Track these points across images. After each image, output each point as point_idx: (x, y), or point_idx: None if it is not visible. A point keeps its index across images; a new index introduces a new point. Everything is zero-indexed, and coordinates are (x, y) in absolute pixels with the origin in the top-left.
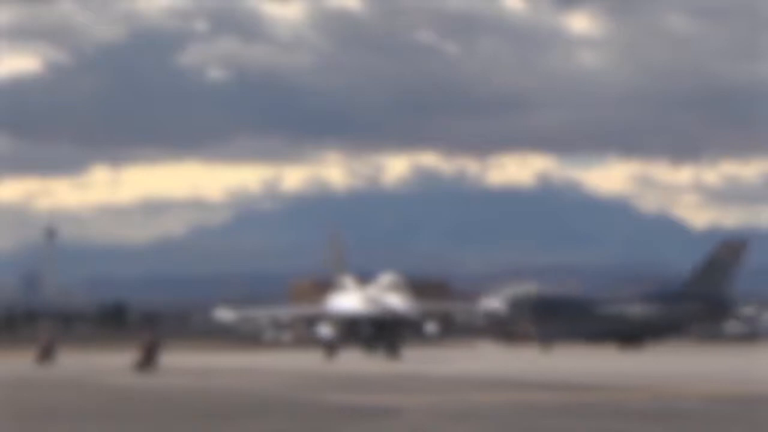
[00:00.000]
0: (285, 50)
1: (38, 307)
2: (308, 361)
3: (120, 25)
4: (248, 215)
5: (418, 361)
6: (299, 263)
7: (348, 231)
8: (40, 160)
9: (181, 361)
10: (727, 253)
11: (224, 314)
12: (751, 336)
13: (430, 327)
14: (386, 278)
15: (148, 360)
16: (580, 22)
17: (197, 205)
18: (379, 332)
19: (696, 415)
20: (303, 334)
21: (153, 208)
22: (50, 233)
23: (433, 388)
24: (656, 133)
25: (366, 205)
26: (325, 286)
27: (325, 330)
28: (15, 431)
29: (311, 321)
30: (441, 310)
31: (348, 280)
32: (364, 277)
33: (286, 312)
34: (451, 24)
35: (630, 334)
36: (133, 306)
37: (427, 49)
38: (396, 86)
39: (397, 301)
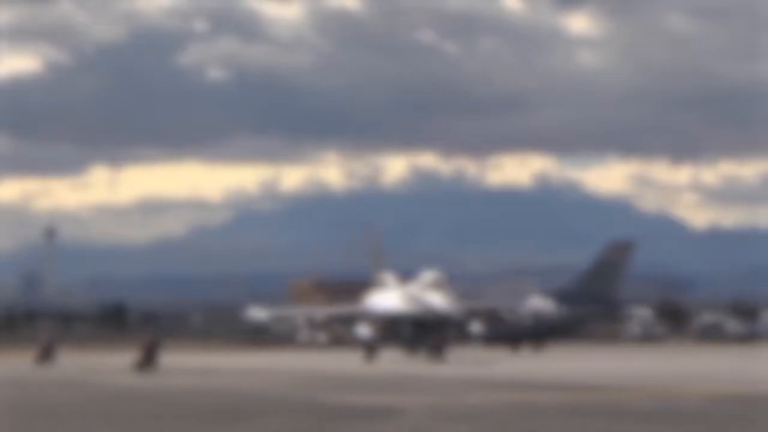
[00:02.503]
0: (285, 50)
1: (38, 307)
2: (345, 362)
3: (120, 25)
4: (247, 215)
5: (462, 362)
6: (299, 263)
7: (347, 231)
8: (39, 161)
9: (182, 361)
10: (614, 254)
11: (257, 313)
12: (750, 336)
13: (475, 327)
14: (427, 275)
15: (148, 360)
16: (580, 22)
17: (196, 205)
18: (420, 332)
19: (696, 415)
20: (339, 334)
21: (152, 208)
22: (50, 233)
23: (435, 388)
24: (656, 133)
25: (365, 205)
26: (325, 286)
27: (363, 330)
28: (15, 431)
29: (348, 320)
30: (486, 309)
31: (388, 278)
32: (406, 275)
33: (321, 311)
34: (451, 24)
35: (527, 335)
36: (133, 306)
37: (427, 49)
38: (396, 86)
39: (438, 300)
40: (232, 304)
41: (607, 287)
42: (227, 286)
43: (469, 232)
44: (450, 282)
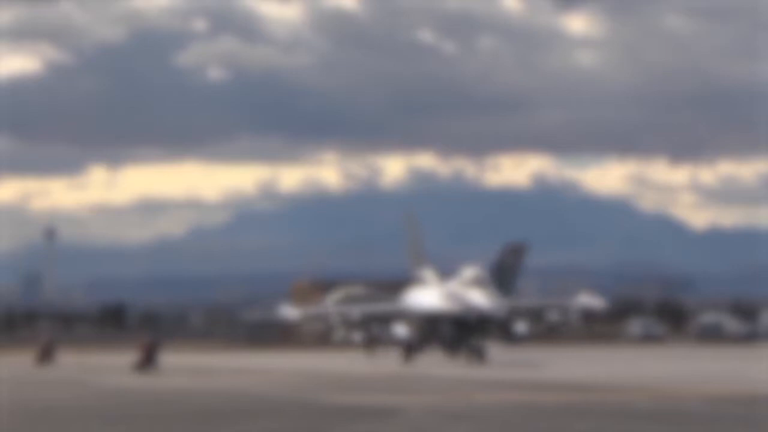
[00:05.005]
0: (284, 50)
1: (38, 308)
2: (383, 363)
3: (120, 25)
4: (246, 216)
5: (504, 364)
6: (298, 263)
7: (345, 232)
8: (37, 161)
9: (182, 361)
10: (509, 256)
11: (289, 312)
12: (750, 336)
13: (520, 327)
14: (469, 272)
15: (147, 360)
16: (579, 22)
17: (195, 205)
18: (461, 333)
19: (696, 415)
20: (375, 334)
21: (150, 208)
22: (50, 234)
23: (437, 388)
24: (655, 133)
25: (363, 205)
26: (324, 285)
27: (401, 330)
28: (15, 431)
29: (385, 319)
30: (531, 307)
31: (428, 274)
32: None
33: (357, 309)
34: (449, 24)
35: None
36: (133, 306)
37: (426, 49)
38: (394, 86)
39: (480, 298)
40: (231, 304)
41: (504, 288)
42: (227, 286)
43: (467, 233)
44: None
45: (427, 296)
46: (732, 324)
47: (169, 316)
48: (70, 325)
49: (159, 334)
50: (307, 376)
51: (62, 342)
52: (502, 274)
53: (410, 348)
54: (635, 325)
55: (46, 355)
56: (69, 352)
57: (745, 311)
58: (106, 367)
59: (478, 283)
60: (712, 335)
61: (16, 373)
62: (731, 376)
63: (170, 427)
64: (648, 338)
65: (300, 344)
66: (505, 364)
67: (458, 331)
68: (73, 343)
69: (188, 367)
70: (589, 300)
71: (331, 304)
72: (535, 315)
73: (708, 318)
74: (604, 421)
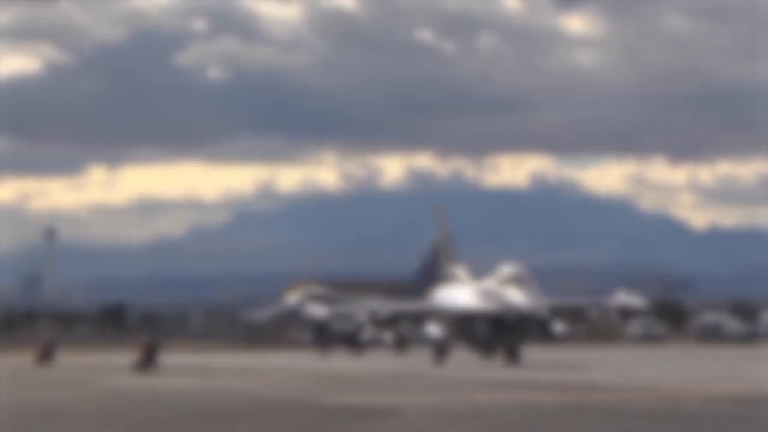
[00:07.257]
0: (284, 51)
1: (38, 308)
2: (415, 364)
3: (120, 25)
4: (246, 216)
5: (541, 366)
6: (298, 263)
7: (345, 232)
8: (37, 161)
9: (182, 361)
10: (437, 255)
11: (316, 310)
12: (750, 336)
13: (559, 326)
14: (506, 269)
15: (148, 360)
16: (579, 22)
17: (195, 205)
18: (498, 333)
19: (696, 415)
20: (405, 333)
21: (150, 208)
22: (50, 234)
23: (437, 388)
24: (654, 133)
25: (362, 206)
26: (325, 284)
27: (433, 329)
28: (15, 431)
29: (416, 318)
30: (570, 305)
31: (460, 271)
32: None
33: (386, 307)
34: (449, 24)
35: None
36: (133, 306)
37: (426, 49)
38: (394, 86)
39: (518, 297)
40: (231, 304)
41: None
42: (226, 286)
43: (466, 233)
44: (533, 277)
45: (462, 294)
46: (732, 324)
47: (169, 316)
48: (70, 325)
49: (159, 334)
50: (307, 376)
51: (62, 342)
52: (433, 274)
53: (442, 348)
54: (635, 325)
55: (46, 355)
56: (69, 352)
57: (745, 311)
58: (106, 367)
59: (516, 281)
60: (712, 335)
61: (16, 373)
62: (731, 376)
63: (170, 427)
64: (648, 338)
65: (300, 344)
66: (540, 366)
67: (495, 331)
68: (73, 343)
69: (188, 367)
70: (627, 299)
71: (293, 303)
72: (575, 314)
73: (708, 318)
74: (604, 421)
